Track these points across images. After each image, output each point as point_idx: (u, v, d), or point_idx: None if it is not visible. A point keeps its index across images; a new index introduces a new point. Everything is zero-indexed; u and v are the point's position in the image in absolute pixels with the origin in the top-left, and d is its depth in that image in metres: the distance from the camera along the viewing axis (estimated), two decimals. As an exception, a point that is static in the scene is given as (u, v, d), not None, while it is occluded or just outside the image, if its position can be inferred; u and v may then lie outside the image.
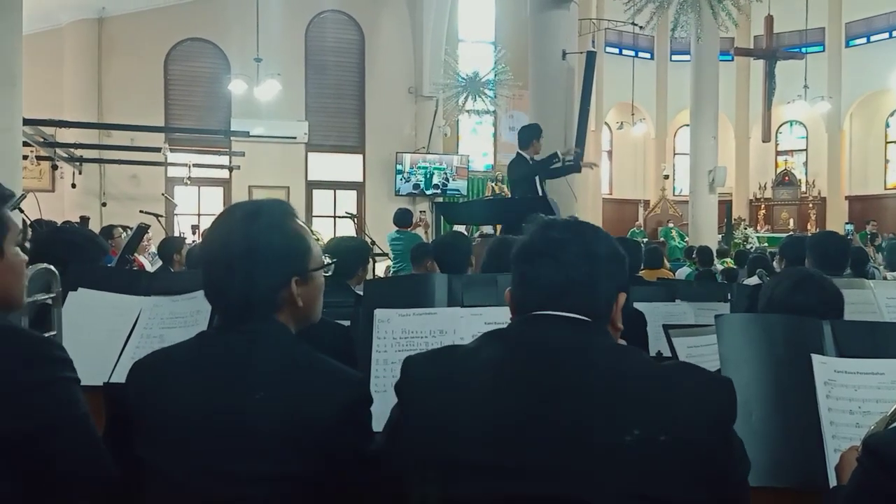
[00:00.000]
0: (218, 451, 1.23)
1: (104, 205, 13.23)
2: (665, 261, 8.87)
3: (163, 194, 12.84)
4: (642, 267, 7.04)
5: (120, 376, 1.92)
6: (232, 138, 13.96)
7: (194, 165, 13.42)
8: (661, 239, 16.14)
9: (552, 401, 1.13)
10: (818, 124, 19.83)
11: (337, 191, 15.60)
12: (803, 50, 16.51)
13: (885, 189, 19.53)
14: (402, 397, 1.25)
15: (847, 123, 19.86)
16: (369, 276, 8.71)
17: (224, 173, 14.35)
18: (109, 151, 13.20)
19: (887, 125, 19.73)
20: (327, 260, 1.49)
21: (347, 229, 12.39)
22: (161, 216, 9.45)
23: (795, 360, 1.61)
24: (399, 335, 2.08)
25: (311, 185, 15.41)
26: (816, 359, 1.61)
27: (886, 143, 19.71)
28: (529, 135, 6.32)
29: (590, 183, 16.96)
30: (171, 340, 1.90)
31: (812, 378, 1.59)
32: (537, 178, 6.39)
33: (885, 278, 5.95)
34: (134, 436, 1.31)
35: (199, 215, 13.84)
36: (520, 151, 6.38)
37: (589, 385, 1.14)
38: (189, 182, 13.21)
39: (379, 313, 2.09)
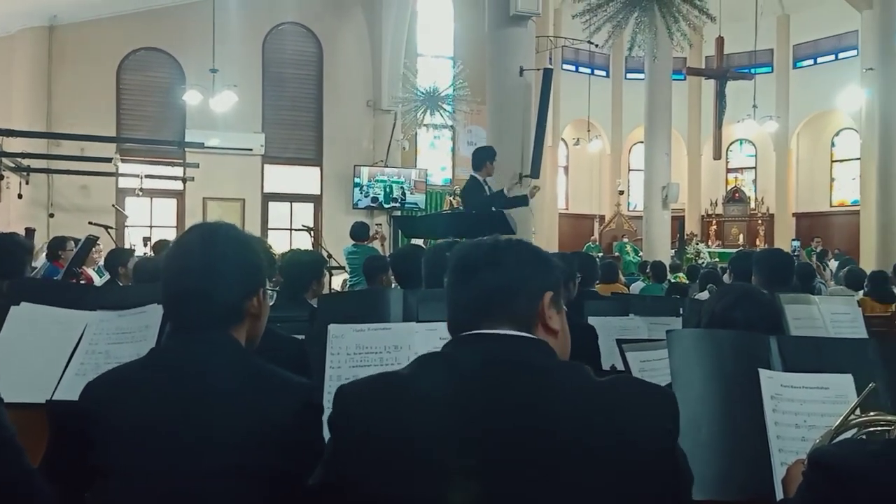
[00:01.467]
0: (178, 461, 1.23)
1: (52, 216, 12.88)
2: (620, 275, 8.99)
3: (113, 206, 12.57)
4: (598, 281, 7.15)
5: (64, 393, 1.87)
6: (186, 150, 13.73)
7: (147, 177, 13.17)
8: (616, 253, 16.37)
9: (495, 426, 1.11)
10: (767, 143, 20.40)
11: (293, 203, 15.44)
12: (752, 71, 16.99)
13: (831, 206, 20.16)
14: (336, 433, 1.21)
15: (794, 142, 20.47)
16: (326, 290, 8.65)
17: (178, 185, 14.10)
18: (58, 161, 12.89)
19: (833, 145, 20.39)
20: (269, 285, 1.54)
21: (304, 242, 12.26)
22: (111, 228, 9.26)
23: (743, 375, 1.63)
24: (353, 350, 2.06)
25: (268, 198, 15.23)
26: (764, 373, 1.64)
27: (832, 162, 20.36)
28: (483, 157, 6.29)
29: (546, 198, 17.14)
30: (118, 356, 1.85)
31: (759, 392, 1.62)
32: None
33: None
34: (88, 450, 1.29)
35: (151, 227, 13.57)
36: (473, 174, 6.34)
37: (532, 406, 1.13)
38: (141, 193, 12.96)
39: (333, 328, 2.07)
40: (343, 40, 15.36)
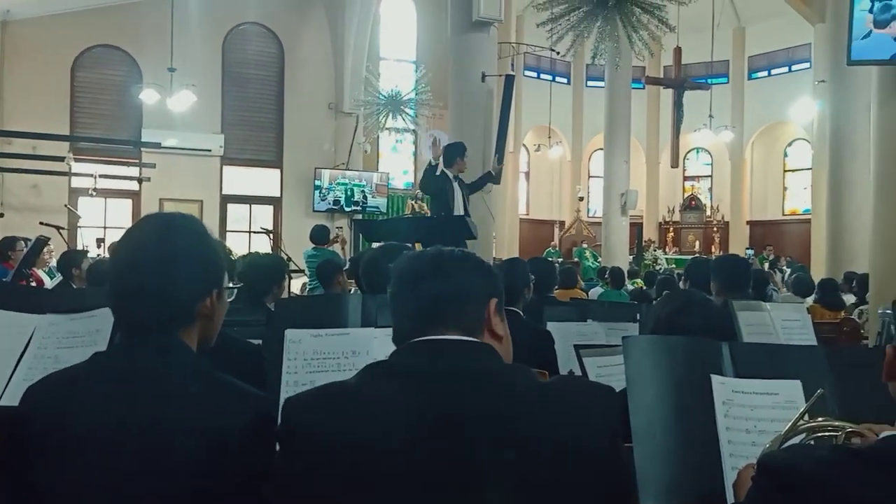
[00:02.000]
0: (123, 470, 1.18)
1: (2, 215, 12.51)
2: (579, 280, 9.08)
3: (66, 206, 12.27)
4: (556, 287, 7.20)
5: (10, 399, 1.81)
6: (142, 149, 13.48)
7: (101, 176, 12.89)
8: (576, 259, 16.53)
9: (445, 431, 1.13)
10: (722, 152, 20.83)
11: (253, 205, 15.26)
12: (709, 81, 17.33)
13: (783, 215, 20.67)
14: (284, 444, 1.20)
15: (749, 152, 20.95)
16: (285, 294, 8.55)
17: (133, 185, 13.84)
18: (9, 160, 12.53)
19: (785, 155, 20.92)
20: (230, 284, 1.47)
21: (263, 245, 12.12)
22: (63, 228, 9.04)
23: (696, 381, 1.65)
24: (311, 356, 2.04)
25: (226, 199, 15.03)
26: (716, 379, 1.66)
27: (784, 171, 20.89)
28: (454, 153, 6.38)
29: (507, 203, 17.25)
30: (68, 361, 1.80)
31: (712, 398, 1.64)
32: (460, 196, 6.42)
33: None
34: (31, 458, 1.24)
35: (105, 228, 13.26)
36: (444, 170, 6.37)
37: (481, 409, 1.14)
38: (95, 193, 12.68)
39: (290, 333, 2.05)
40: (305, 42, 15.25)
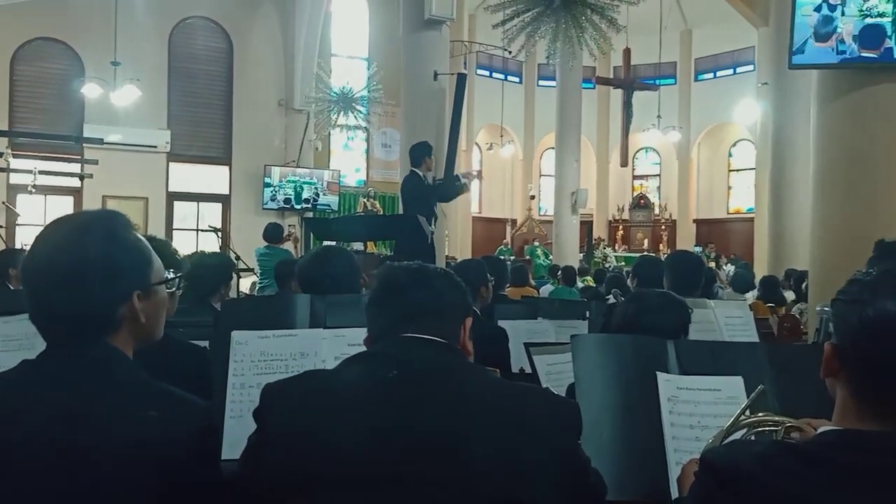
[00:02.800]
0: (49, 488, 1.12)
1: (-65, 213, 12.02)
2: (530, 278, 9.15)
3: (3, 202, 11.84)
4: (508, 285, 7.25)
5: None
6: (84, 145, 13.07)
7: (40, 172, 12.45)
8: (528, 257, 16.66)
9: (418, 415, 1.17)
10: (670, 152, 21.26)
11: (200, 203, 14.97)
12: (657, 82, 17.67)
13: (728, 213, 21.21)
14: (263, 422, 1.24)
15: (695, 152, 21.43)
16: (233, 294, 8.38)
17: (75, 182, 13.41)
18: (-58, 155, 12.05)
19: (730, 155, 21.47)
20: (171, 274, 1.40)
21: (211, 243, 11.90)
22: (0, 227, 8.73)
23: (642, 378, 1.69)
24: (257, 358, 2.00)
25: (173, 197, 14.71)
26: (661, 376, 1.70)
27: (729, 171, 21.43)
28: (421, 152, 6.33)
29: (460, 201, 17.27)
30: (3, 364, 1.73)
31: (657, 395, 1.67)
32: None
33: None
34: None
35: (45, 226, 12.82)
36: (413, 169, 6.33)
37: (452, 400, 1.19)
38: (34, 190, 12.24)
39: (236, 335, 2.00)
40: (254, 37, 15.02)
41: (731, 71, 20.51)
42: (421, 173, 6.25)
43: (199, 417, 1.22)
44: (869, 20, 3.58)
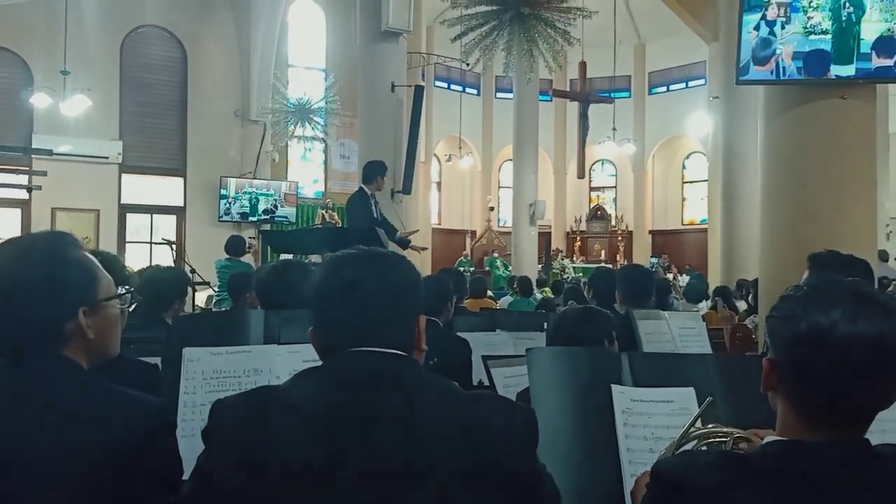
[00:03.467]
0: (11, 493, 1.15)
1: None
2: (488, 290, 9.19)
3: (-53, 215, 11.46)
4: (467, 296, 7.26)
5: None
6: (33, 156, 12.72)
7: (-13, 184, 12.10)
8: (487, 268, 16.73)
9: (373, 434, 1.14)
10: (626, 164, 21.60)
11: (154, 215, 14.69)
12: (612, 95, 17.96)
13: (682, 225, 21.61)
14: (212, 441, 1.21)
15: (650, 164, 21.81)
16: (189, 307, 8.22)
17: (23, 194, 13.04)
18: None
19: (684, 167, 21.90)
20: (121, 290, 1.42)
21: (165, 257, 11.68)
22: (-56, 240, 8.40)
23: (597, 391, 1.70)
24: (210, 375, 1.97)
25: (125, 209, 14.40)
26: (615, 389, 1.71)
27: (683, 183, 21.86)
28: (374, 171, 6.22)
29: (419, 213, 17.28)
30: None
31: (612, 407, 1.68)
32: (378, 214, 6.31)
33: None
34: None
35: (-8, 244, 12.42)
36: (362, 186, 6.25)
37: (407, 418, 1.16)
38: (-21, 202, 11.88)
39: (188, 352, 1.97)
40: (209, 47, 14.85)
41: (683, 85, 20.95)
42: (369, 192, 6.17)
43: (154, 414, 1.26)
44: (813, 37, 3.71)
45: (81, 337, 1.28)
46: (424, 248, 7.36)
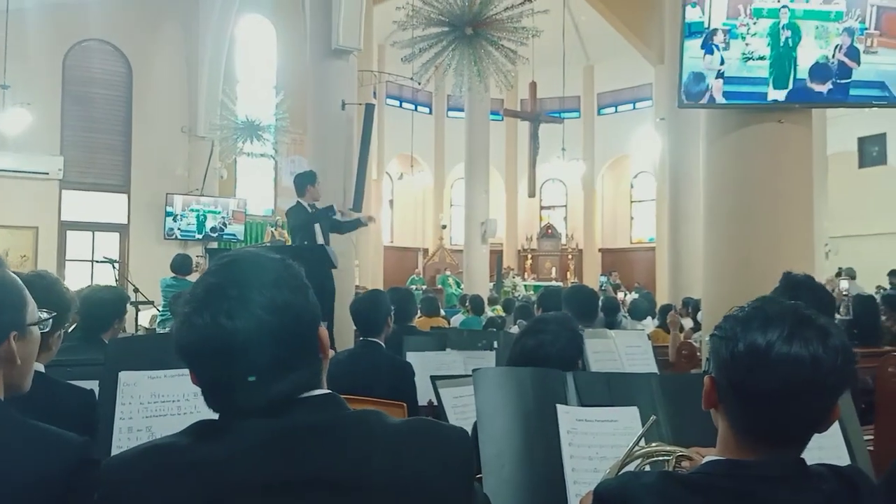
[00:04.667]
0: None
1: None
2: (440, 308, 9.18)
3: None
4: (418, 315, 7.24)
5: None
6: (-31, 171, 12.31)
7: (-81, 200, 11.62)
8: (440, 286, 16.73)
9: (295, 491, 1.02)
10: (575, 183, 21.93)
11: (96, 233, 14.30)
12: (562, 115, 18.27)
13: (631, 243, 22.00)
14: None
15: (599, 183, 22.19)
16: (132, 328, 7.98)
17: (-42, 210, 12.58)
18: None
19: (632, 186, 22.34)
20: (44, 314, 1.33)
21: (107, 275, 11.35)
22: None
23: (543, 411, 1.69)
24: (147, 400, 1.92)
25: (66, 226, 13.98)
26: (561, 409, 1.71)
27: (631, 202, 22.29)
28: (304, 181, 6.42)
29: (371, 231, 17.21)
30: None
31: (558, 427, 1.68)
32: (318, 227, 6.41)
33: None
34: None
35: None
36: (298, 200, 6.40)
37: (331, 469, 1.04)
38: (-90, 219, 11.40)
39: (124, 376, 1.91)
40: (156, 62, 14.59)
41: (631, 106, 21.43)
42: (305, 203, 6.34)
43: (75, 452, 1.18)
44: (751, 63, 3.83)
45: (7, 362, 1.21)
46: (372, 219, 7.62)
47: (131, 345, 2.24)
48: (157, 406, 1.92)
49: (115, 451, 1.80)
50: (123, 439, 1.86)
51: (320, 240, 6.47)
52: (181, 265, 7.24)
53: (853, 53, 3.95)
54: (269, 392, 1.02)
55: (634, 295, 13.21)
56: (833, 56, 3.95)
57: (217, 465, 1.01)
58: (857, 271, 12.63)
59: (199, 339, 1.02)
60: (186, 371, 1.99)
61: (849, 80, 3.93)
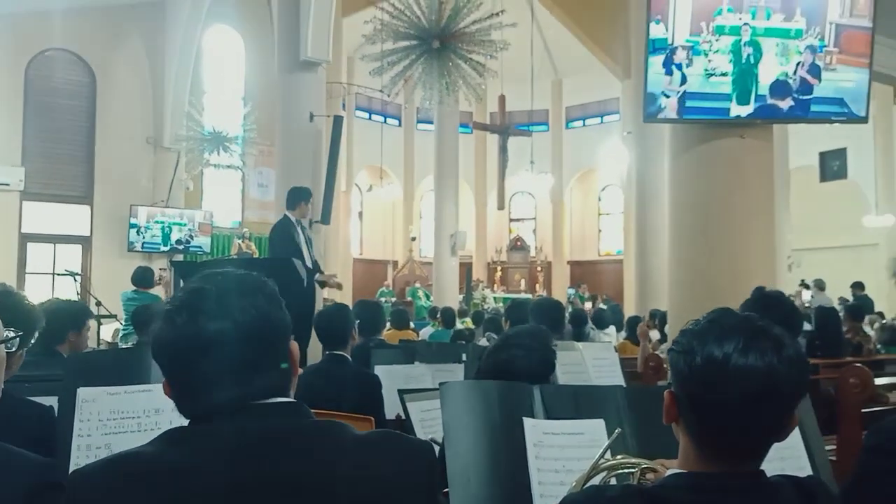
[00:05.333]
0: None
1: None
2: (410, 321, 9.15)
3: None
4: (387, 328, 7.21)
5: None
6: (-75, 181, 12.01)
7: None
8: (409, 299, 16.69)
9: (256, 496, 1.03)
10: (544, 196, 22.09)
11: (58, 245, 14.00)
12: (531, 128, 18.41)
13: (599, 255, 22.19)
14: None
15: (568, 196, 22.38)
16: (94, 343, 7.81)
17: (-86, 222, 12.26)
18: None
19: (600, 199, 22.57)
20: (11, 333, 1.30)
21: (69, 288, 11.13)
22: None
23: (510, 424, 1.69)
24: (107, 416, 1.88)
25: (26, 238, 13.68)
26: (527, 422, 1.71)
27: (599, 215, 22.51)
28: (298, 197, 6.11)
29: (340, 243, 17.13)
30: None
31: (524, 440, 1.68)
32: (303, 241, 6.14)
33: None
34: None
35: None
36: (286, 213, 6.11)
37: (296, 475, 1.05)
38: None
39: (83, 392, 1.87)
40: (120, 72, 14.40)
41: (598, 119, 21.69)
42: (293, 218, 6.06)
43: (38, 474, 1.15)
44: (713, 79, 3.91)
45: None
46: (340, 286, 7.14)
47: (91, 360, 2.19)
48: (116, 423, 1.88)
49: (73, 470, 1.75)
50: (82, 457, 1.82)
51: (306, 257, 6.15)
52: (142, 278, 7.08)
53: (815, 70, 4.05)
54: (240, 392, 1.07)
55: (602, 306, 13.32)
56: (795, 73, 4.05)
57: (183, 470, 1.02)
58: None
59: (177, 336, 1.07)
60: (147, 387, 1.96)
61: (810, 97, 4.03)
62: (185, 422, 1.11)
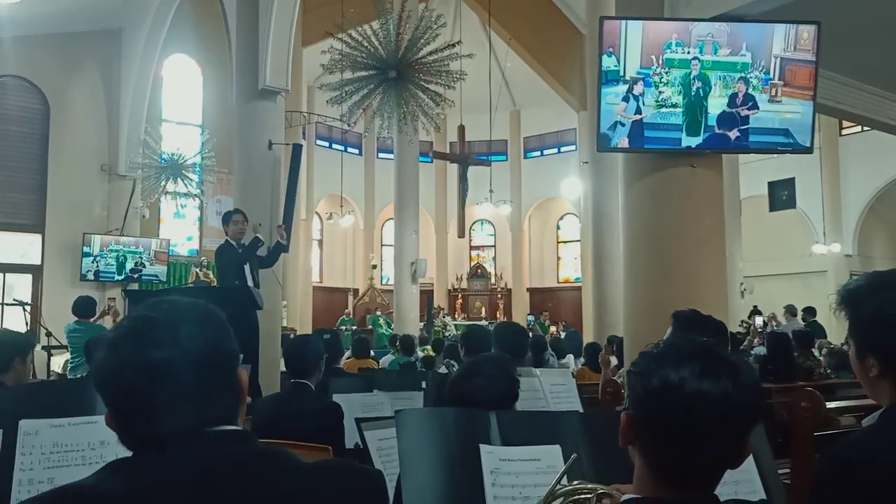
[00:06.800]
0: None
1: None
2: (370, 350, 9.07)
3: None
4: (347, 356, 7.15)
5: None
6: None
7: None
8: (370, 326, 16.58)
9: None
10: (503, 224, 22.29)
11: (7, 274, 13.59)
12: (490, 158, 18.61)
13: (558, 282, 22.40)
14: None
15: (527, 224, 22.61)
16: (44, 375, 7.58)
17: None
18: None
19: (558, 227, 22.85)
20: None
21: (18, 319, 10.78)
22: None
23: (467, 452, 1.68)
24: (50, 449, 1.81)
25: (-25, 268, 13.28)
26: (484, 449, 1.70)
27: (558, 243, 22.78)
28: (224, 219, 6.59)
29: (300, 270, 16.98)
30: None
31: (481, 467, 1.67)
32: (247, 267, 6.32)
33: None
34: None
35: None
36: (227, 239, 6.44)
37: (241, 500, 1.03)
38: None
39: (24, 424, 1.80)
40: (74, 99, 14.16)
41: (556, 150, 22.04)
42: (233, 242, 6.41)
43: None
44: (664, 110, 4.01)
45: None
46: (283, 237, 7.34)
47: (33, 391, 2.12)
48: (59, 456, 1.81)
49: (15, 508, 1.69)
50: (24, 492, 1.75)
51: (251, 280, 6.35)
52: (83, 307, 6.84)
53: (749, 100, 4.18)
54: (191, 421, 1.05)
55: (560, 334, 13.42)
56: (732, 104, 4.17)
57: (126, 500, 0.98)
58: (768, 309, 13.18)
59: (123, 364, 1.04)
60: (92, 418, 1.91)
61: (748, 126, 4.15)
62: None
